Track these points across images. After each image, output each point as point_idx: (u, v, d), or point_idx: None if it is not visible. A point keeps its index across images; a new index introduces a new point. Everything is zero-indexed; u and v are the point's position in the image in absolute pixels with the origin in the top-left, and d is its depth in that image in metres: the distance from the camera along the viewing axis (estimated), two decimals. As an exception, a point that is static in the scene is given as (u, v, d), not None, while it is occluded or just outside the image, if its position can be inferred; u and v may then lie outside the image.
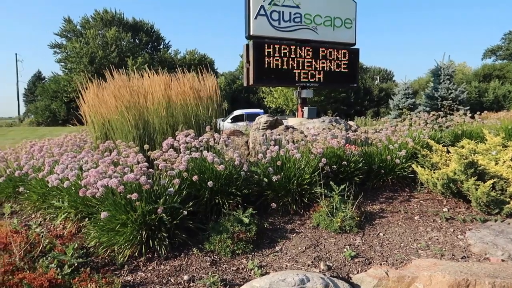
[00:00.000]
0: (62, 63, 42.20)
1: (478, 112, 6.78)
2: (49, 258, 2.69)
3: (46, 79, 46.71)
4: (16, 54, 66.80)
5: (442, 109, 9.91)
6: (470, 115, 6.57)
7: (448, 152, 4.63)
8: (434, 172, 4.21)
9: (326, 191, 3.77)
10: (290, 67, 7.67)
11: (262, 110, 21.31)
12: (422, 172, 4.30)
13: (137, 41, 43.60)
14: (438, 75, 10.75)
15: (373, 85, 40.68)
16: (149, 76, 5.08)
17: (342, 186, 3.69)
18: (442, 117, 6.20)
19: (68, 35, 42.70)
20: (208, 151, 3.68)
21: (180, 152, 3.65)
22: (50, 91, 38.87)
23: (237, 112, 20.58)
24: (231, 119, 19.58)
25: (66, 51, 41.50)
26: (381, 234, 3.49)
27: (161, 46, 46.88)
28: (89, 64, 38.51)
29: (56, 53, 43.02)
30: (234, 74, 44.72)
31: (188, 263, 2.92)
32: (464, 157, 3.93)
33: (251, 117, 17.38)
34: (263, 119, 6.31)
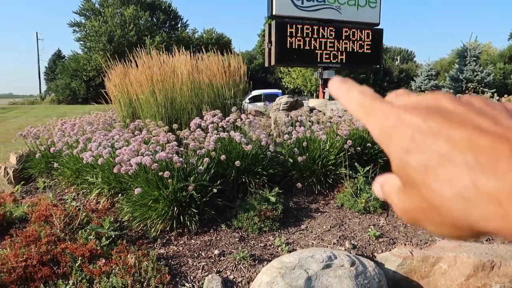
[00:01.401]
0: (81, 42, 42.59)
1: (505, 95, 6.64)
2: (87, 230, 2.84)
3: (66, 57, 47.31)
4: (36, 32, 67.65)
5: (467, 91, 9.71)
6: (497, 98, 6.45)
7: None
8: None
9: (350, 172, 3.81)
10: (312, 47, 7.60)
11: (280, 91, 21.21)
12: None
13: (155, 20, 43.53)
14: (464, 56, 10.47)
15: (393, 66, 39.83)
16: (174, 56, 5.14)
17: (367, 168, 3.73)
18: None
19: (87, 13, 42.87)
20: (234, 131, 3.75)
21: (208, 132, 3.73)
22: (70, 70, 39.46)
23: (255, 92, 20.54)
24: (249, 99, 19.57)
25: (85, 29, 41.80)
26: (404, 215, 3.53)
27: (179, 25, 46.72)
28: (107, 42, 38.76)
29: (75, 32, 43.41)
30: (251, 54, 44.37)
31: (218, 238, 3.04)
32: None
33: (269, 98, 17.33)
34: (283, 99, 6.32)
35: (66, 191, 4.14)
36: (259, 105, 16.16)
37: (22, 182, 4.47)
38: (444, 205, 0.22)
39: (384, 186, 0.29)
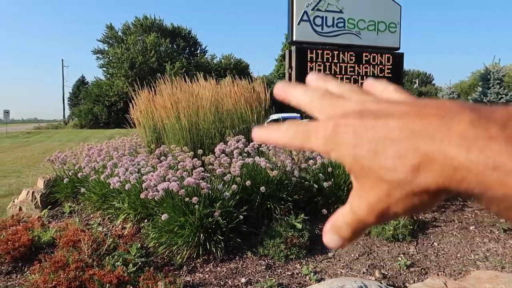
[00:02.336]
0: (104, 68, 44.00)
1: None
2: (115, 256, 2.85)
3: (89, 83, 48.82)
4: (62, 60, 70.30)
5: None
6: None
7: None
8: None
9: (377, 198, 3.73)
10: (332, 72, 7.63)
11: (298, 114, 21.21)
12: (477, 181, 4.16)
13: (175, 46, 44.74)
14: (487, 79, 10.30)
15: (411, 89, 39.60)
16: (196, 81, 5.24)
17: (394, 194, 3.65)
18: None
19: (110, 41, 44.45)
20: (259, 157, 3.75)
21: (232, 157, 3.74)
22: (92, 95, 40.62)
23: (274, 116, 20.54)
24: (267, 123, 19.64)
25: (108, 56, 43.23)
26: (435, 243, 3.42)
27: (198, 51, 47.87)
28: (129, 69, 39.90)
29: (98, 59, 44.96)
30: (268, 78, 44.90)
31: (244, 266, 2.99)
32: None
33: (288, 121, 17.34)
34: (305, 124, 6.32)
35: (92, 216, 4.18)
36: (278, 129, 16.18)
37: (49, 207, 4.55)
38: (402, 177, 0.25)
39: (337, 217, 0.31)
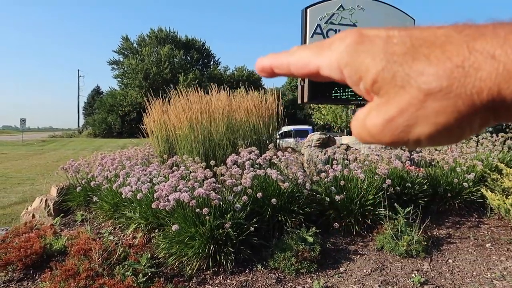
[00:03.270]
0: (119, 79, 44.80)
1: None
2: (125, 266, 2.84)
3: (103, 93, 49.66)
4: (78, 70, 71.77)
5: (508, 129, 9.35)
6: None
7: (520, 176, 4.36)
8: (507, 198, 3.98)
9: (390, 213, 3.68)
10: (345, 85, 7.61)
11: (310, 127, 21.20)
12: (493, 197, 4.07)
13: (189, 58, 45.35)
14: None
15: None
16: (209, 93, 5.27)
17: (408, 209, 3.59)
18: (510, 139, 5.86)
19: (125, 52, 45.31)
20: (271, 168, 3.73)
21: (244, 168, 3.73)
22: (107, 105, 41.28)
23: (285, 128, 20.59)
24: (279, 135, 19.62)
25: (123, 67, 44.02)
26: (450, 260, 3.34)
27: (211, 63, 48.41)
28: (143, 79, 40.53)
29: (113, 69, 45.80)
30: (280, 90, 45.00)
31: (254, 279, 2.96)
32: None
33: (299, 134, 17.34)
34: (315, 136, 6.29)
35: (103, 224, 4.20)
36: (290, 141, 16.17)
37: (61, 215, 4.59)
38: (441, 84, 0.23)
39: (359, 116, 0.28)
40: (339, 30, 7.61)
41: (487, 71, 0.22)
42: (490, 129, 10.27)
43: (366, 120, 0.27)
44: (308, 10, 7.55)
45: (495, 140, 5.73)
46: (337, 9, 7.69)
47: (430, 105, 0.23)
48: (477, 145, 5.60)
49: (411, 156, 4.65)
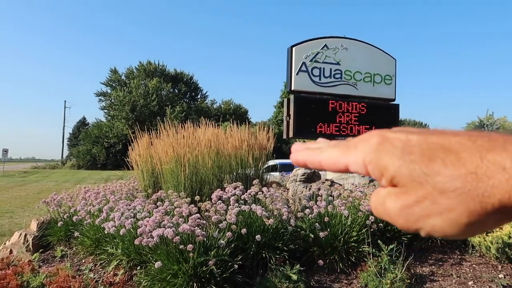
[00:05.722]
0: (106, 110, 44.73)
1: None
2: (105, 305, 2.77)
3: (89, 124, 49.36)
4: (65, 101, 71.42)
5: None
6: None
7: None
8: (487, 235, 4.06)
9: (373, 250, 3.69)
10: (329, 121, 7.80)
11: (296, 161, 21.22)
12: (474, 234, 4.13)
13: (176, 91, 45.77)
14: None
15: (408, 138, 39.98)
16: (196, 126, 5.33)
17: (391, 246, 3.62)
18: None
19: (113, 84, 45.54)
20: (256, 204, 3.75)
21: (229, 204, 3.74)
22: (92, 136, 40.94)
23: (271, 162, 20.60)
24: (264, 168, 19.62)
25: (110, 99, 44.08)
26: (433, 299, 3.34)
27: (199, 96, 48.92)
28: (130, 111, 40.57)
29: (100, 101, 45.80)
30: (267, 124, 45.46)
31: (237, 318, 2.90)
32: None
33: (285, 168, 17.34)
34: (300, 171, 6.35)
35: (83, 261, 4.09)
36: (275, 175, 16.17)
37: (40, 250, 4.46)
38: (455, 185, 0.26)
39: (374, 198, 0.32)
40: (324, 68, 7.90)
41: (499, 179, 0.25)
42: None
43: (386, 199, 0.30)
44: (293, 48, 7.81)
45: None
46: (322, 48, 7.98)
47: (444, 202, 0.27)
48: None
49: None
